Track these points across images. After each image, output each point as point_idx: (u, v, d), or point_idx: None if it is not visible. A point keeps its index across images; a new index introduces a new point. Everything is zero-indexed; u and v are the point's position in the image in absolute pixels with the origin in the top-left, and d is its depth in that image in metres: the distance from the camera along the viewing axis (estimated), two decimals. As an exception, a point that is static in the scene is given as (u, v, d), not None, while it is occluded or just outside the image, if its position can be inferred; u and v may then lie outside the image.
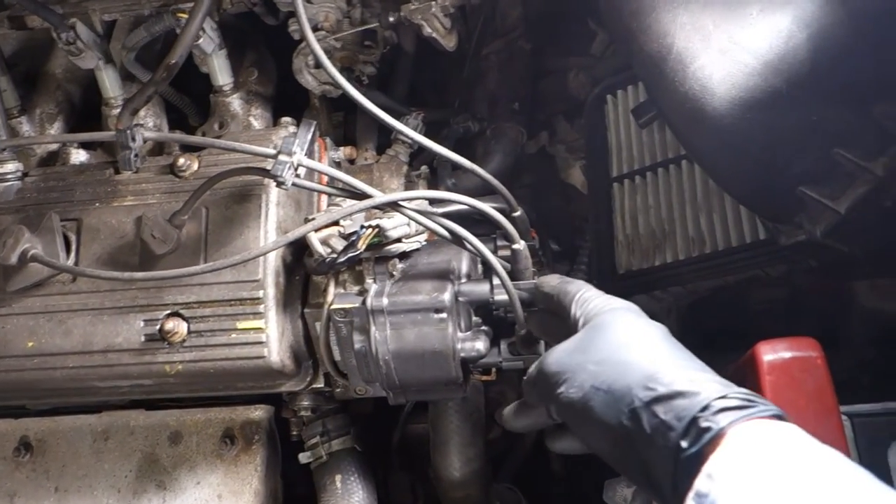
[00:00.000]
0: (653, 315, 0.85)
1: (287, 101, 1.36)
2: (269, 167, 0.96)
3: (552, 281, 0.94)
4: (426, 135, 1.31)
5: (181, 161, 1.10)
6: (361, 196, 0.96)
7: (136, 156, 0.98)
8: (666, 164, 1.12)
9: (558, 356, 0.83)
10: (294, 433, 1.26)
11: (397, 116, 1.32)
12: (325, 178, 1.08)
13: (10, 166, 1.16)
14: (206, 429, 1.22)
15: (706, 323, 1.25)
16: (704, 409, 0.69)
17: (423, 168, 1.25)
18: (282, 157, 0.92)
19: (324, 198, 1.18)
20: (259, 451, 1.20)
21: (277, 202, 1.08)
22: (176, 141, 1.07)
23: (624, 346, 0.79)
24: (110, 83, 1.24)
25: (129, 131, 0.97)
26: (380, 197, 0.95)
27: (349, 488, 1.15)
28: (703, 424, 0.68)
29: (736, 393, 0.71)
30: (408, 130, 0.99)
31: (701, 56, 0.83)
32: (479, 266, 1.10)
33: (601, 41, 1.44)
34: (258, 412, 1.21)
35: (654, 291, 1.13)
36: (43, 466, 1.25)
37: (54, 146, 1.28)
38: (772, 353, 0.89)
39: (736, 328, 1.27)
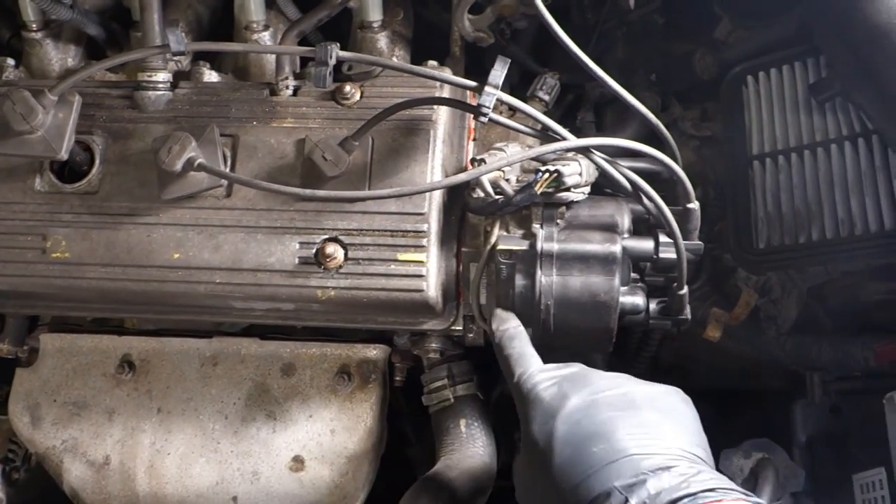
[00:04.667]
0: None
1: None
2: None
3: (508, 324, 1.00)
4: (560, 97, 1.33)
5: (346, 89, 1.09)
6: (552, 138, 0.96)
7: (330, 73, 0.97)
8: (814, 148, 1.14)
9: None
10: (397, 378, 1.26)
11: (532, 75, 1.34)
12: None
13: (162, 76, 1.14)
14: (321, 363, 1.21)
15: (820, 308, 1.28)
16: None
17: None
18: (488, 90, 0.92)
19: (471, 142, 1.18)
20: (375, 390, 1.20)
21: (443, 139, 1.08)
22: (370, 63, 1.05)
23: None
24: (255, 6, 1.22)
25: (329, 48, 0.95)
26: (573, 141, 0.95)
27: (473, 433, 1.16)
28: None
29: None
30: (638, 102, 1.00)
31: (938, 28, 0.86)
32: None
33: (724, 27, 1.45)
34: (375, 351, 1.21)
35: (791, 270, 1.15)
36: (145, 386, 1.23)
37: (185, 65, 1.26)
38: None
39: (847, 317, 1.30)
